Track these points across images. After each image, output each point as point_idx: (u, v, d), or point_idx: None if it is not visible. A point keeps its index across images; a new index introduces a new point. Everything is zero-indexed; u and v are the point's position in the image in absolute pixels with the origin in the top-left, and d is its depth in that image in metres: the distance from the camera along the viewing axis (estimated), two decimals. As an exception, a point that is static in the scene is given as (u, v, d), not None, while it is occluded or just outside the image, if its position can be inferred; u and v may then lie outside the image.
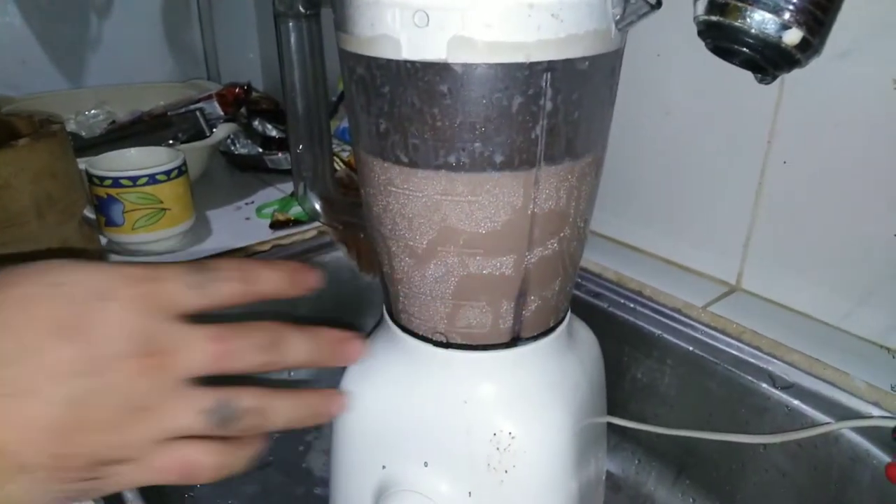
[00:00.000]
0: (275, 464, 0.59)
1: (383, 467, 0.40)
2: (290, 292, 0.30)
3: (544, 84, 0.30)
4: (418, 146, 0.32)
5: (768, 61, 0.24)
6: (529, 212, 0.33)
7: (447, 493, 0.38)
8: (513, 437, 0.37)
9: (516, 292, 0.36)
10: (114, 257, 0.65)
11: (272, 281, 0.29)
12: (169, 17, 1.21)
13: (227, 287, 0.26)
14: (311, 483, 0.57)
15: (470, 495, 0.38)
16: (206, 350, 0.25)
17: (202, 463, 0.26)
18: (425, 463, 0.39)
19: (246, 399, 0.26)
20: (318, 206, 0.44)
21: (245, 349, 0.26)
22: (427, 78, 0.30)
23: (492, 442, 0.37)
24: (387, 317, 0.41)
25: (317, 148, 0.42)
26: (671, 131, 0.56)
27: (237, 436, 0.27)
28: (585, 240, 0.39)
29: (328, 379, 0.38)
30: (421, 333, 0.38)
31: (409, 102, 0.31)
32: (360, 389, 0.41)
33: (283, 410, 0.28)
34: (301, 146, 0.42)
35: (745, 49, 0.24)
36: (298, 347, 0.29)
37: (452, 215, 0.33)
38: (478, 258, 0.34)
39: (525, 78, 0.29)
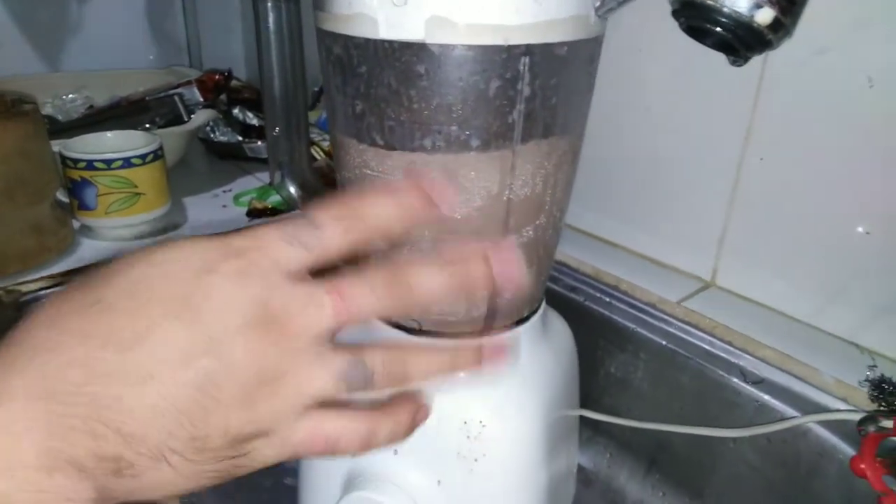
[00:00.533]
0: (245, 453, 0.58)
1: (352, 455, 0.40)
2: (414, 219, 0.25)
3: (522, 68, 0.30)
4: (394, 128, 0.31)
5: (741, 42, 0.24)
6: (505, 198, 0.33)
7: (417, 481, 0.38)
8: (483, 426, 0.36)
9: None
10: (85, 241, 0.64)
11: (384, 216, 0.25)
12: (152, 3, 1.20)
13: (333, 236, 0.24)
14: (281, 474, 0.56)
15: (439, 483, 0.38)
16: (325, 305, 0.23)
17: (345, 435, 0.24)
18: (395, 451, 0.38)
19: (380, 354, 0.24)
20: (294, 192, 0.43)
21: (367, 294, 0.24)
22: (404, 58, 0.30)
23: (462, 430, 0.37)
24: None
25: (294, 132, 0.42)
26: (650, 127, 0.56)
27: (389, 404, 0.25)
28: (561, 230, 0.39)
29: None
30: (393, 320, 0.38)
31: (386, 83, 0.30)
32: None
33: (423, 363, 0.25)
34: (277, 129, 0.41)
35: (717, 29, 0.24)
36: (430, 278, 0.25)
37: (427, 200, 0.33)
38: (452, 244, 0.34)
39: (503, 61, 0.29)
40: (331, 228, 0.24)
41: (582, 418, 0.49)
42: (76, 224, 0.65)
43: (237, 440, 0.22)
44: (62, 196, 0.65)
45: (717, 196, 0.53)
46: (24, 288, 0.55)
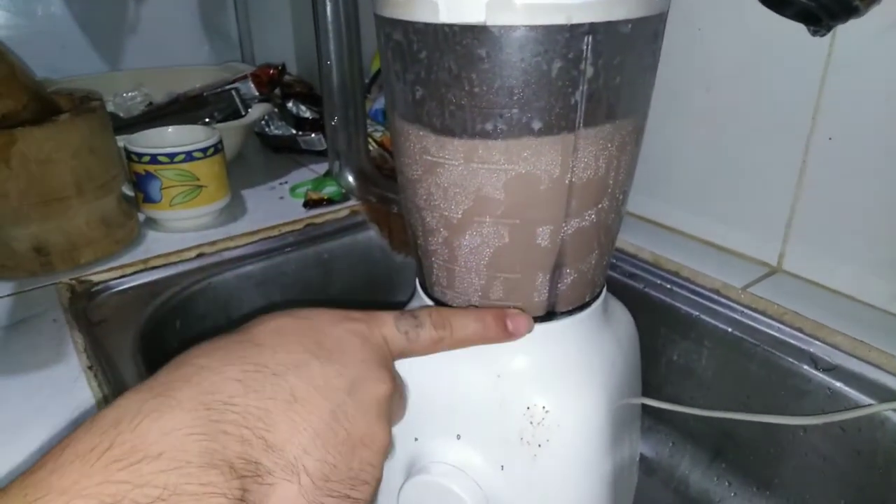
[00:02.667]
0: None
1: (416, 440, 0.40)
2: (494, 339, 0.34)
3: (585, 47, 0.29)
4: (455, 113, 0.31)
5: (825, 10, 0.23)
6: (567, 181, 0.32)
7: (479, 466, 0.38)
8: (546, 412, 0.36)
9: (552, 264, 0.35)
10: (150, 234, 0.66)
11: (469, 329, 0.33)
12: (204, 1, 1.22)
13: (427, 337, 0.32)
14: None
15: (502, 469, 0.38)
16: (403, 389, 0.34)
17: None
18: (458, 436, 0.39)
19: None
20: (352, 180, 0.44)
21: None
22: (465, 41, 0.29)
23: (525, 416, 0.37)
24: (420, 290, 0.41)
25: (351, 121, 0.42)
26: (711, 108, 0.54)
27: None
28: (623, 213, 0.38)
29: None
30: (454, 306, 0.38)
31: (446, 67, 0.30)
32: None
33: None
34: (336, 118, 0.41)
35: (800, -2, 0.23)
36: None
37: (488, 184, 0.33)
38: (514, 229, 0.34)
39: (565, 41, 0.29)
40: (428, 330, 0.32)
41: (643, 407, 0.48)
42: (141, 217, 0.67)
43: (356, 479, 0.27)
44: (127, 190, 0.67)
45: (784, 177, 0.51)
46: (94, 278, 0.57)
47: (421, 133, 0.33)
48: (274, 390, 0.25)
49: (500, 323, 0.34)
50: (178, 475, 0.22)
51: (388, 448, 0.29)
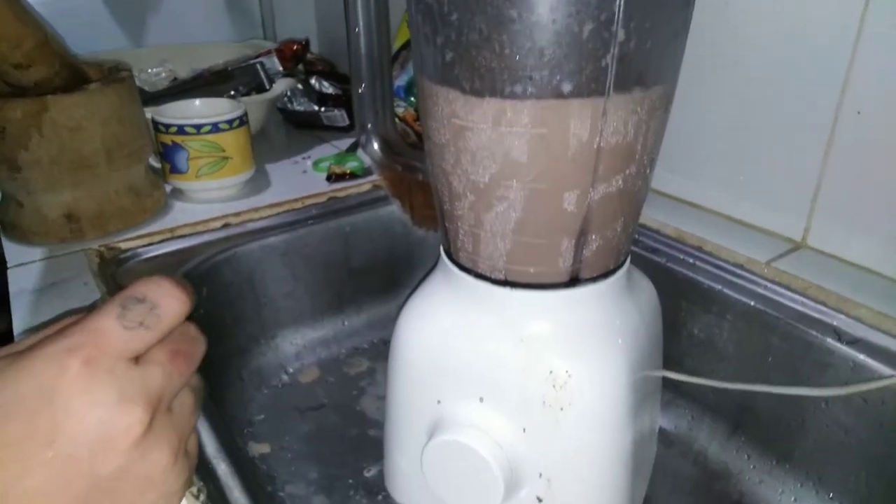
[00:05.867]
0: (329, 406, 0.61)
1: (438, 402, 0.41)
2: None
3: (617, 10, 0.29)
4: (484, 75, 0.31)
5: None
6: (595, 146, 0.33)
7: (502, 428, 0.39)
8: (569, 376, 0.37)
9: (578, 230, 0.36)
10: (177, 204, 0.67)
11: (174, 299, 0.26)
12: (227, -22, 1.23)
13: (167, 314, 0.25)
14: (365, 425, 0.58)
15: (524, 431, 0.38)
16: (172, 374, 0.25)
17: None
18: (480, 399, 0.39)
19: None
20: (377, 147, 0.44)
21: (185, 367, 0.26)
22: (495, 2, 0.29)
23: (548, 380, 0.37)
24: (444, 256, 0.41)
25: (378, 87, 0.43)
26: (738, 81, 0.54)
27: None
28: (650, 181, 0.38)
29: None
30: (479, 272, 0.39)
31: (477, 29, 0.30)
32: (417, 326, 0.42)
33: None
34: (364, 85, 0.42)
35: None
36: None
37: (516, 148, 0.33)
38: (540, 193, 0.34)
39: (597, 2, 0.29)
40: (164, 308, 0.25)
41: (663, 381, 0.49)
42: (168, 189, 0.68)
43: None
44: (154, 162, 0.68)
45: (811, 152, 0.50)
46: (123, 245, 0.59)
47: (450, 96, 0.33)
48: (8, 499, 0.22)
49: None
50: None
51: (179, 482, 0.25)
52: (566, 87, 0.31)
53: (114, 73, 0.61)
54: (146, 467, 0.24)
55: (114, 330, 0.24)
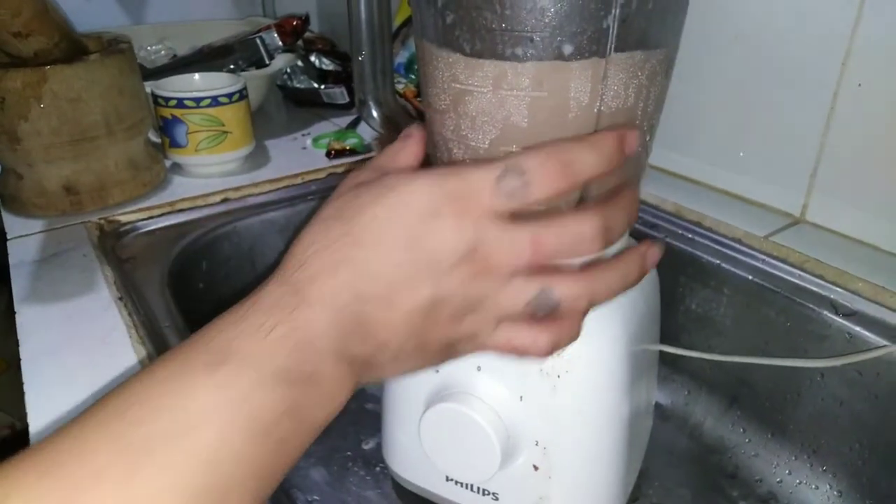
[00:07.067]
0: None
1: (436, 371, 0.41)
2: (612, 167, 0.29)
3: (618, -30, 0.29)
4: (485, 36, 0.31)
5: None
6: (596, 109, 0.33)
7: (500, 396, 0.39)
8: (567, 343, 0.37)
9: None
10: (176, 179, 0.66)
11: (588, 165, 0.28)
12: (227, -45, 1.22)
13: (539, 187, 0.28)
14: (363, 399, 0.58)
15: (522, 399, 0.38)
16: (524, 251, 0.28)
17: (529, 345, 0.30)
18: (478, 367, 0.39)
19: (564, 287, 0.29)
20: (377, 115, 0.44)
21: (558, 243, 0.28)
22: (497, -38, 0.29)
23: (546, 347, 0.37)
24: (444, 225, 0.41)
25: (378, 55, 0.42)
26: (737, 55, 0.54)
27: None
28: (650, 150, 0.38)
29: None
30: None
31: (478, -11, 0.30)
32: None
33: (602, 289, 0.30)
34: (364, 53, 0.42)
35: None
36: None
37: (516, 112, 0.33)
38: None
39: (599, -38, 0.29)
40: (537, 177, 0.27)
41: (660, 355, 0.49)
42: (167, 163, 0.68)
43: (447, 345, 0.29)
44: (154, 137, 0.68)
45: (810, 126, 0.50)
46: (122, 218, 0.59)
47: (451, 59, 0.33)
48: (376, 298, 0.27)
49: (618, 145, 0.29)
50: (324, 367, 0.27)
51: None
52: (567, 49, 0.31)
53: (113, 45, 0.61)
54: (481, 302, 0.28)
55: (487, 191, 0.27)
